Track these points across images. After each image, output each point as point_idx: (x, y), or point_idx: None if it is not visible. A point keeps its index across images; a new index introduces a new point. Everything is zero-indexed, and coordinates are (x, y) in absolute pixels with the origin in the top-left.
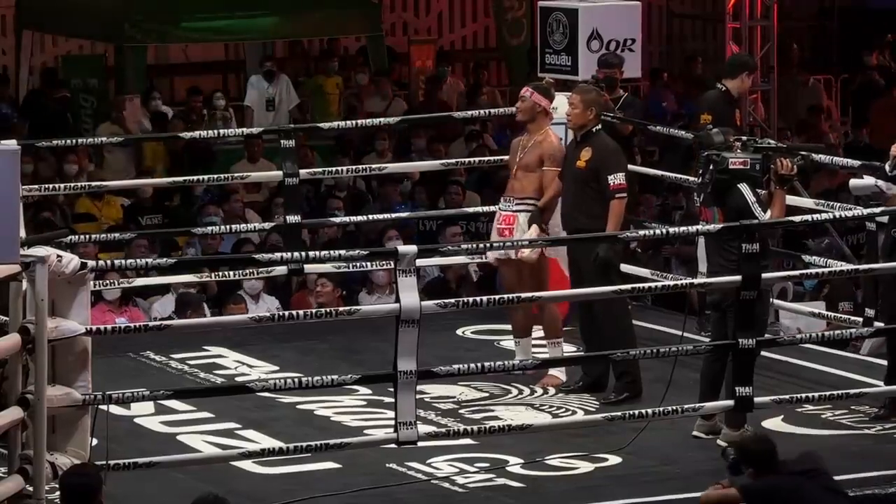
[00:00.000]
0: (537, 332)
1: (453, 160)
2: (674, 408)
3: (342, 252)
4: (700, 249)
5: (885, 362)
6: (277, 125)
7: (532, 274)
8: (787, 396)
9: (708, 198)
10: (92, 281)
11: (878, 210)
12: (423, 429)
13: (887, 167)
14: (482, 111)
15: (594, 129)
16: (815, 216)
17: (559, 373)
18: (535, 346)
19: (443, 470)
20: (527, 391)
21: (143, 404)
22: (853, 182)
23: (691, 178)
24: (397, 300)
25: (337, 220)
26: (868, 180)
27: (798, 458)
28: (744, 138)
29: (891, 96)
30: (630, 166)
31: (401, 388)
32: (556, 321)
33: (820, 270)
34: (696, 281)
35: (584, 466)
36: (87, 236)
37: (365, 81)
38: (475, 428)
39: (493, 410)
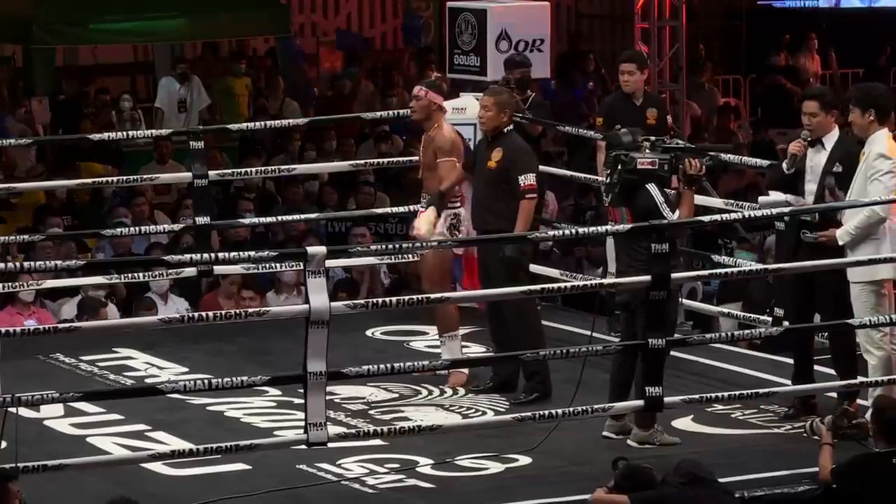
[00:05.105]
0: (462, 330)
1: (362, 161)
2: (584, 408)
3: (251, 253)
4: (609, 249)
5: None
6: (189, 127)
7: (430, 260)
8: (696, 396)
9: (616, 198)
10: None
11: (786, 210)
12: (334, 430)
13: (784, 165)
14: (391, 112)
15: (506, 130)
16: (724, 216)
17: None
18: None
19: (353, 471)
20: (436, 392)
21: (53, 406)
22: (762, 199)
23: (600, 179)
24: (307, 301)
25: (246, 220)
26: (777, 196)
27: (677, 467)
28: (652, 138)
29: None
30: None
31: (311, 389)
32: (450, 316)
33: (729, 270)
34: (605, 281)
35: (495, 467)
36: None
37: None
38: (385, 429)
39: (403, 411)
